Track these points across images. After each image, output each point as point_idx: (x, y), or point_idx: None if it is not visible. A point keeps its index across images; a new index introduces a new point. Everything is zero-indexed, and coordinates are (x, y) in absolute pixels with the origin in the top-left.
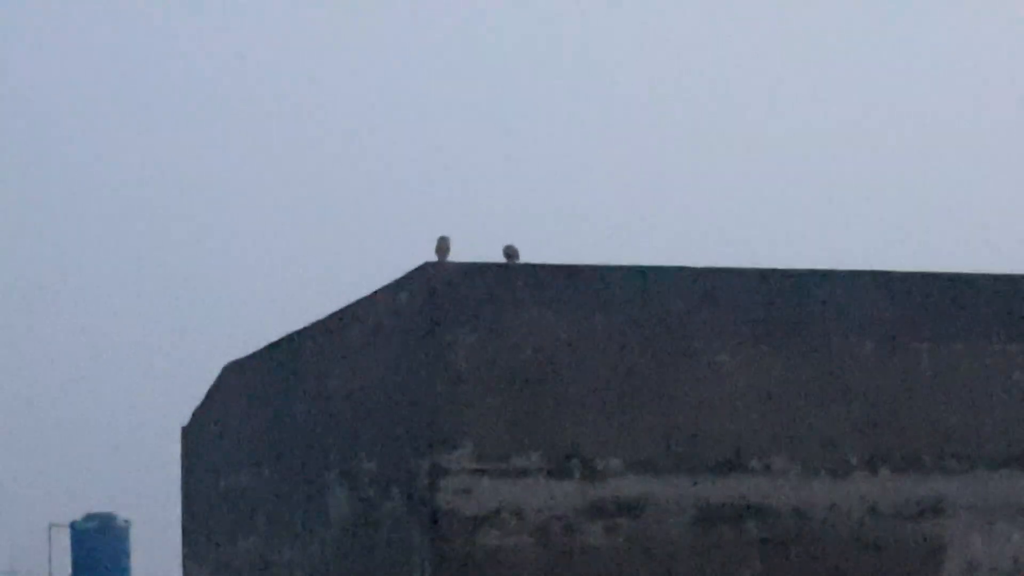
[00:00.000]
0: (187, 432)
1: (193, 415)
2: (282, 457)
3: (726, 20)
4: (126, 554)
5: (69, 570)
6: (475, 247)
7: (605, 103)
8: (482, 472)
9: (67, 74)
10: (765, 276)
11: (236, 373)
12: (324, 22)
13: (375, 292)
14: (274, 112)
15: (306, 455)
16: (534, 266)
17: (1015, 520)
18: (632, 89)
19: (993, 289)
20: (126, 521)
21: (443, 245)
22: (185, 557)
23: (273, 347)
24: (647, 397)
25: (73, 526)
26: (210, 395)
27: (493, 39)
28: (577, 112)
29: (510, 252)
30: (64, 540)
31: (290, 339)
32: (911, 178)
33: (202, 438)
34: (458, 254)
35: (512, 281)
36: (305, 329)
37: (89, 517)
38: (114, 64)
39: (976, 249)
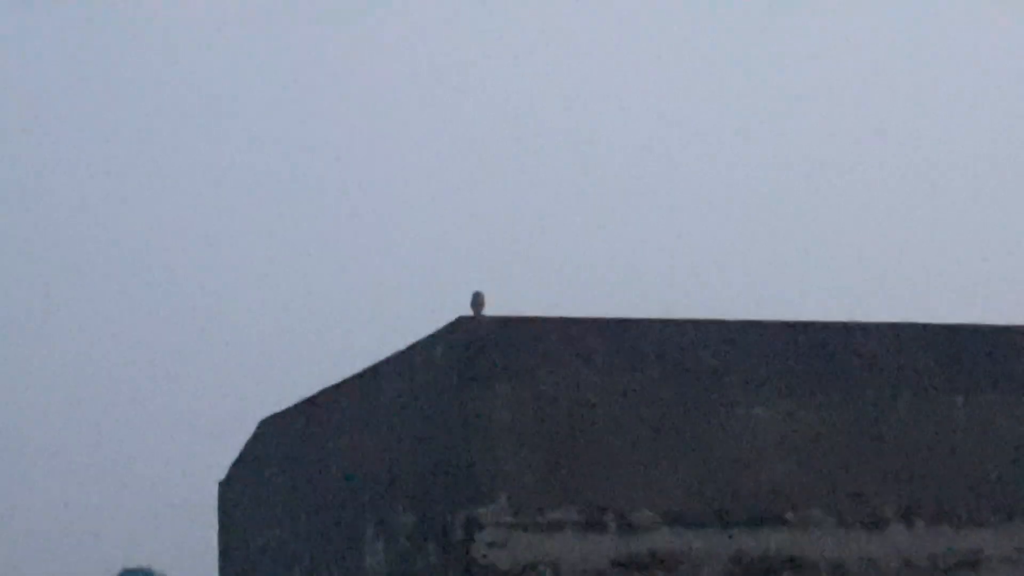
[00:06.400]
0: (224, 487)
1: (230, 470)
2: (319, 511)
3: (754, 69)
4: None
5: None
6: (510, 302)
7: (635, 155)
8: (517, 526)
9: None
10: (798, 329)
11: (272, 428)
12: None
13: (410, 346)
14: (300, 149)
15: (342, 509)
16: (568, 320)
17: None
18: (663, 140)
19: None
20: None
21: (478, 300)
22: None
23: (309, 402)
24: (681, 450)
25: None
26: (247, 450)
27: (515, 85)
28: (609, 164)
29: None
30: None
31: (326, 393)
32: (944, 229)
33: (239, 493)
34: (492, 308)
35: (546, 335)
36: (341, 383)
37: (127, 572)
38: (115, 73)
39: (1010, 301)
